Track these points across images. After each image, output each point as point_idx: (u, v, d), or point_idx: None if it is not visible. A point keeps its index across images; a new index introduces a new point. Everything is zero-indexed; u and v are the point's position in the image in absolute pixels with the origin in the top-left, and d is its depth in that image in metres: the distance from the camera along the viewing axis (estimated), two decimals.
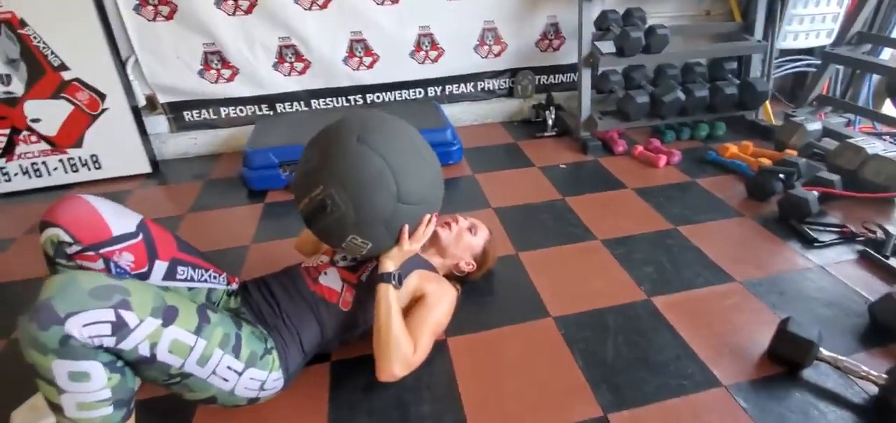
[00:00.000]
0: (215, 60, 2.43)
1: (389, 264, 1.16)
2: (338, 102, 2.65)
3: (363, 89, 2.64)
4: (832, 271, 1.51)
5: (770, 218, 1.78)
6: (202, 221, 1.97)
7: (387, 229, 1.10)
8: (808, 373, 1.17)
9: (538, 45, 2.71)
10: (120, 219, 1.03)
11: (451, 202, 1.94)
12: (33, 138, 2.21)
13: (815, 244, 1.61)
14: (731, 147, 2.15)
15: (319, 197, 1.04)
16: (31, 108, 2.18)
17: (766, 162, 1.99)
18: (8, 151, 2.20)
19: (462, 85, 2.74)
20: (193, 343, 0.92)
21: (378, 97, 2.67)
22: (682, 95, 2.25)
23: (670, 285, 1.47)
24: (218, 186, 2.25)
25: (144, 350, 0.86)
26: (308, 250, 1.48)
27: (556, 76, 2.82)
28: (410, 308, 1.24)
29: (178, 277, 1.11)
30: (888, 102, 2.50)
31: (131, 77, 2.33)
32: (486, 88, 2.77)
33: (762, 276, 1.50)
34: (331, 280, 1.22)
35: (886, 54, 2.38)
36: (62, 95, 2.19)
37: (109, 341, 0.81)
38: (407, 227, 1.13)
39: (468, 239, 1.44)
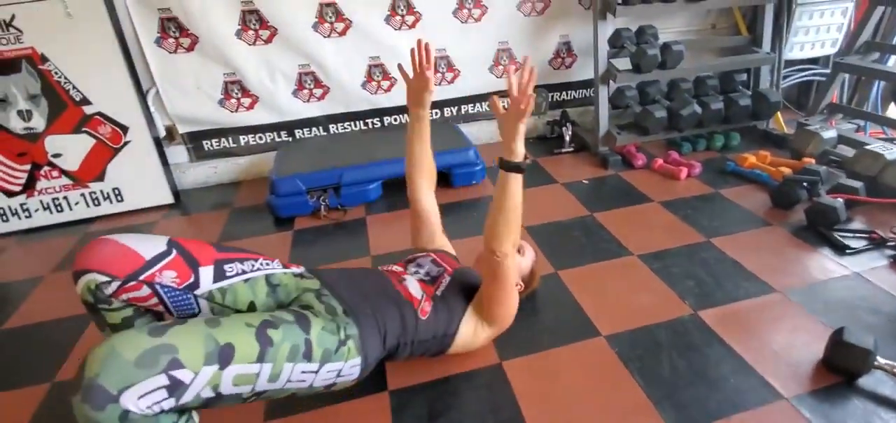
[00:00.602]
0: (235, 90, 2.42)
1: (514, 143, 1.09)
2: (356, 126, 2.64)
3: (381, 113, 2.64)
4: (869, 277, 1.52)
5: (798, 226, 1.79)
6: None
7: None
8: (866, 381, 1.17)
9: (551, 63, 2.74)
10: (148, 244, 1.02)
11: (478, 224, 1.92)
12: (54, 173, 2.18)
13: (847, 252, 1.62)
14: (750, 157, 2.17)
15: None
16: (53, 143, 2.15)
17: (787, 171, 2.01)
18: (29, 187, 2.17)
19: (477, 104, 2.75)
20: (258, 370, 0.90)
21: (395, 120, 2.67)
22: (698, 108, 2.28)
23: (714, 299, 1.47)
24: (243, 214, 2.23)
25: (208, 394, 0.84)
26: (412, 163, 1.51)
27: (570, 93, 2.84)
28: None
29: (228, 275, 1.08)
30: (893, 106, 2.56)
31: (152, 108, 2.30)
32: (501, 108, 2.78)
33: (801, 285, 1.51)
34: (412, 287, 1.23)
35: (892, 62, 2.43)
36: (84, 129, 2.17)
37: (169, 403, 0.79)
38: (513, 78, 1.07)
39: (518, 260, 1.43)
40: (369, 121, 2.65)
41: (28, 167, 2.14)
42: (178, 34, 2.26)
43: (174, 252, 1.03)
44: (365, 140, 2.48)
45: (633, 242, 1.76)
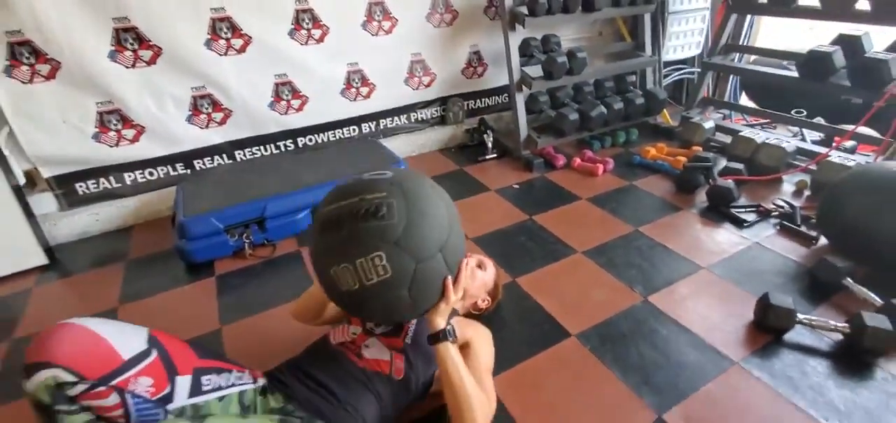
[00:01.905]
0: (114, 120, 2.10)
1: (440, 321, 1.07)
2: (266, 150, 2.45)
3: (293, 134, 2.48)
4: (766, 244, 1.82)
5: (701, 208, 2.07)
6: (143, 312, 1.67)
7: (427, 273, 0.97)
8: (790, 336, 1.41)
9: (464, 72, 2.82)
10: (126, 338, 0.88)
11: None
12: None
13: (745, 225, 1.92)
14: (651, 149, 2.46)
15: (377, 200, 0.94)
16: None
17: (683, 160, 2.32)
18: None
19: (396, 118, 2.73)
20: None
21: (310, 139, 2.53)
22: (604, 109, 2.52)
23: (657, 283, 1.64)
24: (144, 265, 1.94)
25: None
26: (309, 316, 1.32)
27: (483, 100, 2.95)
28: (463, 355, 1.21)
29: (204, 388, 0.96)
30: (744, 96, 3.09)
31: (6, 151, 1.89)
32: (419, 118, 2.79)
33: (719, 259, 1.75)
34: (376, 352, 1.14)
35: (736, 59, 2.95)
36: None
37: None
38: (450, 277, 1.02)
39: (481, 276, 1.44)
40: (281, 143, 2.48)
41: None
42: (33, 60, 1.90)
43: (154, 354, 0.89)
44: (283, 165, 2.30)
45: (575, 239, 1.89)
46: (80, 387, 0.80)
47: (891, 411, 1.19)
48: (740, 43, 2.80)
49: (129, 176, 2.22)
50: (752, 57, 2.90)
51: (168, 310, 1.68)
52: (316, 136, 2.54)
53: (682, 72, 3.15)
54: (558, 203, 2.17)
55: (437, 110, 2.83)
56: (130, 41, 2.02)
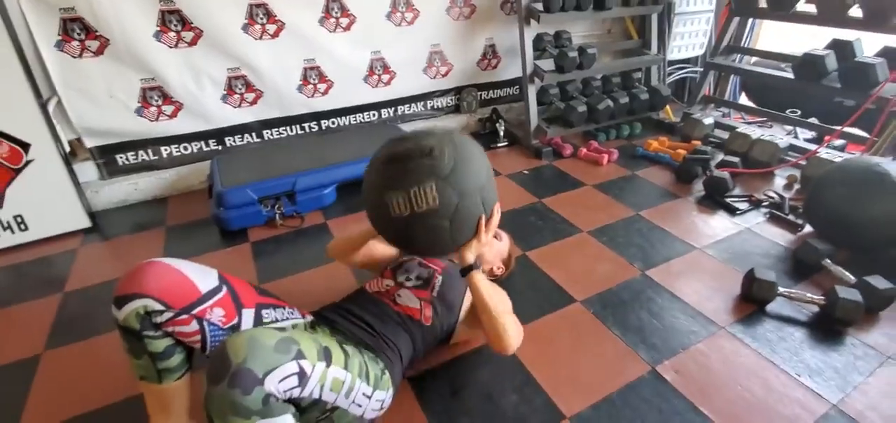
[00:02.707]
0: (155, 97, 2.27)
1: (469, 256, 1.23)
2: (292, 130, 2.63)
3: (318, 116, 2.66)
4: (756, 230, 2.00)
5: (698, 196, 2.25)
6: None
7: (466, 208, 1.15)
8: (772, 307, 1.59)
9: (479, 64, 2.99)
10: (202, 276, 1.05)
11: None
12: None
13: (737, 213, 2.10)
14: (654, 142, 2.64)
15: (431, 143, 1.13)
16: None
17: (683, 152, 2.49)
18: None
19: (413, 105, 2.90)
20: (344, 378, 0.98)
21: (333, 122, 2.71)
22: (610, 102, 2.70)
23: (655, 260, 1.82)
24: (182, 231, 2.12)
25: (317, 393, 0.91)
26: (340, 252, 1.48)
27: (496, 91, 3.12)
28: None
29: (265, 320, 1.13)
30: (744, 96, 3.26)
31: (54, 121, 2.06)
32: (435, 106, 2.97)
33: (712, 242, 1.93)
34: (407, 300, 1.31)
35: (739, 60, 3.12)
36: None
37: (297, 391, 0.85)
38: (484, 217, 1.19)
39: (497, 245, 1.63)
40: (307, 125, 2.65)
41: None
42: (83, 36, 2.07)
43: (224, 289, 1.06)
44: (310, 145, 2.49)
45: (580, 220, 2.07)
46: (167, 315, 0.97)
47: (856, 370, 1.36)
48: (741, 45, 2.98)
49: (166, 150, 2.39)
50: (753, 59, 3.07)
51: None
52: (339, 119, 2.72)
53: (685, 70, 3.32)
54: (565, 188, 2.35)
55: (452, 99, 3.01)
56: (174, 23, 2.19)
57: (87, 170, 2.27)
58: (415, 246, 1.24)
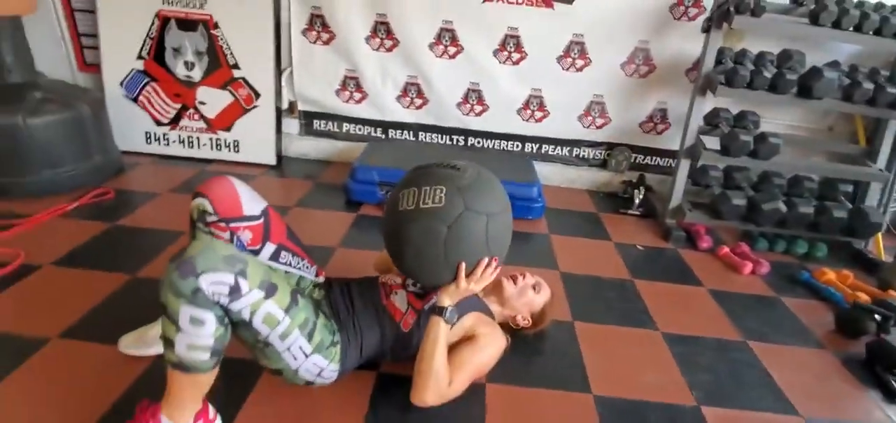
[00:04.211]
0: (351, 85, 2.73)
1: (445, 300, 1.21)
2: (442, 139, 2.83)
3: (467, 133, 2.80)
4: None
5: (854, 358, 1.59)
6: (303, 216, 2.21)
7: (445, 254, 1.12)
8: None
9: (642, 125, 2.69)
10: (251, 203, 1.22)
11: (523, 256, 2.00)
12: (196, 117, 2.65)
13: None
14: (829, 273, 1.96)
15: (458, 163, 1.19)
16: (202, 92, 2.62)
17: (864, 298, 1.79)
18: (174, 122, 2.66)
19: (559, 148, 2.79)
20: (281, 319, 1.05)
21: (479, 142, 2.81)
22: (783, 207, 2.10)
23: (725, 400, 1.38)
24: (324, 189, 2.51)
25: (246, 315, 1.01)
26: (382, 268, 1.58)
27: (653, 158, 2.76)
28: (460, 343, 1.30)
29: (281, 260, 1.27)
30: None
31: (283, 84, 2.70)
32: (580, 155, 2.80)
33: (830, 418, 1.36)
34: (399, 301, 1.32)
35: None
36: (228, 87, 2.61)
37: (225, 300, 0.96)
38: (463, 264, 1.15)
39: (530, 296, 1.48)
40: (456, 138, 2.82)
41: (178, 107, 2.63)
42: (320, 29, 2.62)
43: (261, 220, 1.23)
44: (449, 155, 2.61)
45: (663, 318, 1.70)
46: (212, 218, 1.19)
47: None
48: None
49: (346, 126, 2.85)
50: None
51: (315, 219, 2.18)
52: (484, 140, 2.81)
53: None
54: (673, 280, 1.94)
55: (600, 153, 2.78)
56: (382, 31, 2.60)
57: (292, 125, 2.88)
58: (407, 249, 1.18)
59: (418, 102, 2.75)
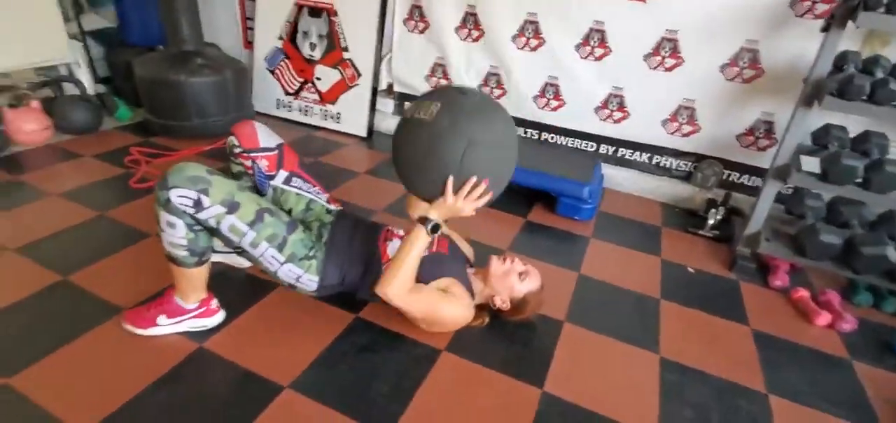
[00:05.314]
0: (438, 71, 2.90)
1: (433, 212, 1.27)
2: (516, 130, 2.80)
3: (541, 127, 2.73)
4: None
5: None
6: (365, 183, 2.43)
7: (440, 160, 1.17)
8: None
9: (740, 138, 2.30)
10: (267, 138, 1.49)
11: (546, 249, 1.95)
12: (312, 90, 3.10)
13: None
14: None
15: (476, 91, 1.26)
16: (319, 69, 3.05)
17: None
18: (296, 94, 3.15)
19: (637, 153, 2.55)
20: (246, 231, 1.26)
21: (552, 138, 2.72)
22: (894, 255, 1.62)
23: None
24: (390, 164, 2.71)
25: (213, 223, 1.23)
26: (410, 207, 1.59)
27: (749, 178, 2.33)
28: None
29: (292, 184, 1.51)
30: None
31: (383, 67, 2.99)
32: (660, 164, 2.51)
33: None
34: (391, 248, 1.43)
35: None
36: (338, 67, 3.00)
37: (191, 211, 1.20)
38: (451, 180, 1.19)
39: (513, 281, 1.45)
40: (529, 130, 2.78)
41: (301, 81, 3.11)
42: (418, 18, 2.84)
43: (275, 152, 1.50)
44: (520, 147, 2.61)
45: (672, 344, 1.50)
46: (237, 150, 1.48)
47: None
48: None
49: None
50: None
51: (372, 187, 2.39)
52: (557, 137, 2.70)
53: None
54: (711, 311, 1.67)
55: (685, 164, 2.45)
56: (470, 23, 2.71)
57: (387, 104, 3.16)
58: (396, 151, 1.29)
59: (497, 92, 2.78)
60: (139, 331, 1.33)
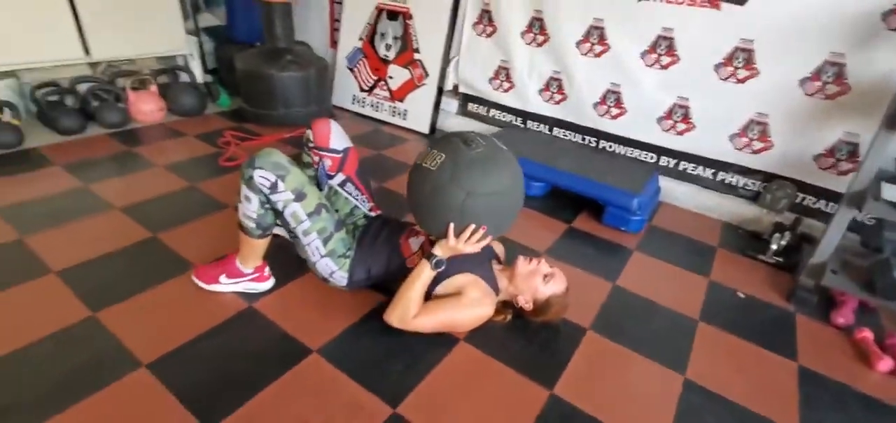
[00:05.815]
0: (502, 74, 2.94)
1: (437, 250, 1.37)
2: (574, 137, 2.77)
3: (599, 134, 2.67)
4: None
5: None
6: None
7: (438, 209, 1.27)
8: None
9: (817, 159, 2.08)
10: (339, 140, 1.64)
11: (583, 257, 1.93)
12: (384, 88, 3.28)
13: None
14: None
15: (482, 142, 1.30)
16: (392, 69, 3.22)
17: None
18: (370, 90, 3.35)
19: (700, 167, 2.40)
20: (304, 219, 1.41)
21: (610, 146, 2.65)
22: None
23: None
24: None
25: (280, 206, 1.40)
26: None
27: (826, 203, 2.10)
28: (446, 296, 1.45)
29: (344, 188, 1.66)
30: None
31: (450, 69, 3.09)
32: (726, 182, 2.34)
33: None
34: (415, 243, 1.53)
35: None
36: (409, 66, 3.15)
37: (267, 191, 1.37)
38: (452, 225, 1.28)
39: (537, 282, 1.47)
40: (587, 138, 2.72)
41: (375, 78, 3.31)
42: (487, 23, 2.91)
43: (340, 155, 1.64)
44: (578, 154, 2.58)
45: (701, 368, 1.43)
46: (311, 144, 1.66)
47: None
48: None
49: (492, 111, 3.07)
50: None
51: None
52: (615, 145, 2.62)
53: None
54: (756, 340, 1.55)
55: (753, 183, 2.25)
56: (536, 28, 2.73)
57: (451, 104, 3.25)
58: (408, 192, 1.39)
59: (558, 97, 2.75)
60: (203, 285, 1.55)
